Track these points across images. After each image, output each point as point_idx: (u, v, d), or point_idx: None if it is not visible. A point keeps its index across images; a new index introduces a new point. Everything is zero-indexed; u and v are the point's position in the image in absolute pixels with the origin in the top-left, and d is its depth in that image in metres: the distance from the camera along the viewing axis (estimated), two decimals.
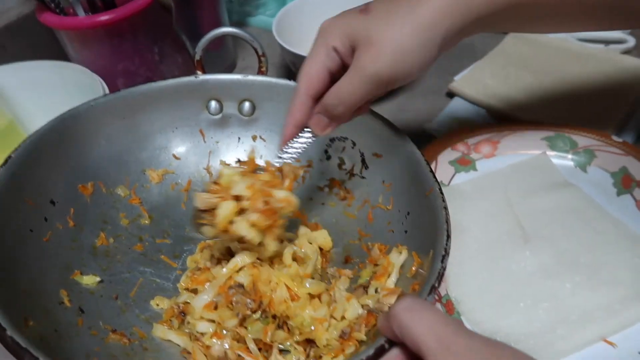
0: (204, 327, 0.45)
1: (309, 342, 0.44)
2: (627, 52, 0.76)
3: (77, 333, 0.42)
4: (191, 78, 0.56)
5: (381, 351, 0.34)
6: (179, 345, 0.44)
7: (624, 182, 0.53)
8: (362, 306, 0.45)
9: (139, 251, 0.51)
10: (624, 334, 0.42)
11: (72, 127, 0.51)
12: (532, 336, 0.41)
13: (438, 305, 0.45)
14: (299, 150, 0.46)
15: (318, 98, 0.42)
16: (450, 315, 0.44)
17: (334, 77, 0.42)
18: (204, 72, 0.58)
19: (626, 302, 0.43)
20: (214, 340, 0.43)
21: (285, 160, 0.46)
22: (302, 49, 0.68)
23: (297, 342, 0.44)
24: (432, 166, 0.58)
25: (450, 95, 0.73)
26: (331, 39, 0.39)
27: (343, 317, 0.44)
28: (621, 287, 0.44)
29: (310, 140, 0.45)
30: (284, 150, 0.46)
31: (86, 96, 0.53)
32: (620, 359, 0.40)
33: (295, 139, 0.45)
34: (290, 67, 0.77)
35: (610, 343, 0.42)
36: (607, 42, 0.78)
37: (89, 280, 0.47)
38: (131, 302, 0.47)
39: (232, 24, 0.92)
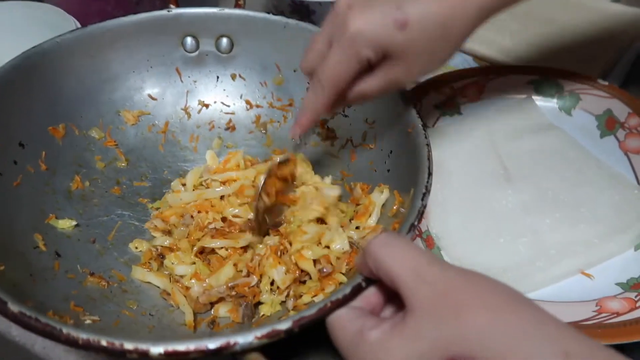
0: (182, 269, 0.44)
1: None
2: (615, 0, 0.73)
3: (53, 277, 0.41)
4: (163, 12, 0.53)
5: (358, 289, 0.33)
6: (158, 287, 0.44)
7: (608, 124, 0.52)
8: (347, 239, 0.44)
9: (116, 194, 0.50)
10: (601, 266, 0.42)
11: (38, 66, 0.48)
12: (510, 269, 0.41)
13: (418, 240, 0.45)
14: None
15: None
16: (430, 250, 0.44)
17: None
18: (178, 5, 0.55)
19: (605, 237, 0.43)
20: (193, 281, 0.43)
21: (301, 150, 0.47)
22: None
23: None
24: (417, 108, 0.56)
25: None
26: (365, 51, 0.36)
27: (327, 247, 0.43)
28: (600, 223, 0.44)
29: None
30: (300, 139, 0.46)
31: None
32: (597, 289, 0.40)
33: None
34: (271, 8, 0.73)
35: (588, 275, 0.42)
36: None
37: (65, 224, 0.46)
38: (109, 246, 0.46)
39: None
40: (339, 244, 0.43)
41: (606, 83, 0.55)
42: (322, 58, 0.39)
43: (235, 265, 0.42)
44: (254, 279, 0.42)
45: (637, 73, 0.64)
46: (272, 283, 0.42)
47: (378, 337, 0.28)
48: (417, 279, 0.28)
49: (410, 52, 0.36)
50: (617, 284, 0.41)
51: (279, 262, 0.42)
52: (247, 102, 0.57)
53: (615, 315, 0.37)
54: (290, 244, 0.43)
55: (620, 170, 0.48)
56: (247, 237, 0.44)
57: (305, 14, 0.62)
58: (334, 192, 0.47)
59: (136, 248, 0.47)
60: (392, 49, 0.36)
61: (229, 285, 0.41)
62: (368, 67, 0.38)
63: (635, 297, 0.38)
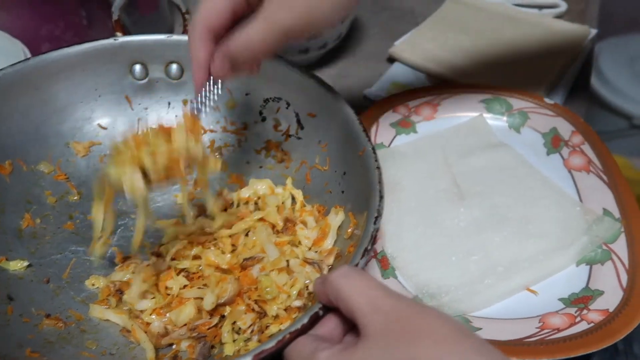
0: (143, 304, 0.44)
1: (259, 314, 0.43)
2: (559, 16, 0.78)
3: (6, 322, 0.40)
4: (110, 41, 0.52)
5: (316, 318, 0.34)
6: (117, 324, 0.43)
7: (554, 142, 0.55)
8: (306, 259, 0.45)
9: (69, 230, 0.49)
10: (545, 282, 0.44)
11: None
12: (461, 287, 0.43)
13: (374, 261, 0.46)
14: (209, 103, 0.43)
15: (217, 38, 0.39)
16: (385, 271, 0.45)
17: (237, 18, 0.39)
18: (125, 33, 0.54)
19: (549, 253, 0.45)
20: (154, 316, 0.43)
21: (205, 109, 0.43)
22: None
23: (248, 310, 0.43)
24: (373, 128, 0.58)
25: (391, 60, 0.72)
26: None
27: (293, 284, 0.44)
28: (546, 239, 0.46)
29: (219, 86, 0.42)
30: (201, 97, 0.42)
31: (7, 63, 0.49)
32: (541, 305, 0.42)
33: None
34: None
35: (533, 291, 0.44)
36: (540, 6, 0.79)
37: (16, 265, 0.45)
38: (64, 284, 0.46)
39: None
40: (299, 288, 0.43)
41: (552, 102, 0.58)
42: None
43: (197, 306, 0.42)
44: (215, 320, 0.42)
45: (580, 88, 0.67)
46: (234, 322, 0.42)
47: (327, 357, 0.30)
48: (372, 309, 0.30)
49: None
50: (560, 299, 0.43)
51: (239, 303, 0.42)
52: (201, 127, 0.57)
53: (556, 331, 0.39)
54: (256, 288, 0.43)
55: (564, 187, 0.51)
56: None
57: None
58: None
59: (93, 285, 0.46)
60: None
61: (190, 327, 0.41)
62: (246, 9, 0.37)
63: (575, 312, 0.41)
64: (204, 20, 0.38)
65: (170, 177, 0.41)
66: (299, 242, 0.47)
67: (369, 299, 0.30)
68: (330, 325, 0.34)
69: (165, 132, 0.41)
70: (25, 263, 0.45)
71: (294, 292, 0.43)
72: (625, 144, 1.34)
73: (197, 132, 0.42)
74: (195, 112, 0.42)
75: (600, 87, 1.29)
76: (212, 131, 0.57)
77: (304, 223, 0.49)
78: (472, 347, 0.27)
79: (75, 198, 0.51)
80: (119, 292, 0.45)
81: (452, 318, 0.29)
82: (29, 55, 0.57)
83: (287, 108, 0.53)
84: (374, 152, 0.44)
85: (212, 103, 0.42)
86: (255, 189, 0.52)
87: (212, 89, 0.42)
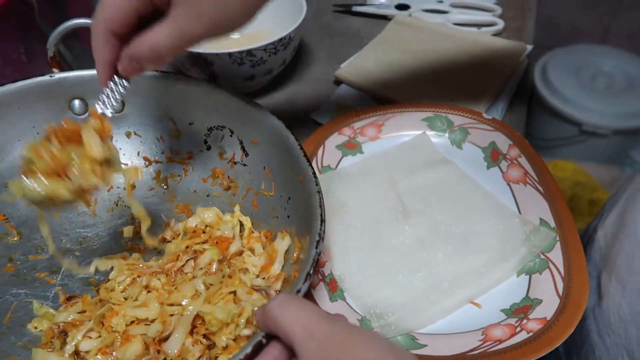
0: (87, 345, 0.43)
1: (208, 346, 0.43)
2: (497, 34, 0.81)
3: None
4: (45, 78, 0.52)
5: (259, 347, 0.35)
6: None
7: (493, 156, 0.57)
8: (253, 287, 0.45)
9: (9, 272, 0.48)
10: (488, 294, 0.45)
11: None
12: (407, 305, 0.44)
13: (322, 284, 0.46)
14: (117, 97, 0.43)
15: (120, 37, 0.40)
16: (334, 293, 0.46)
17: (142, 17, 0.39)
18: (62, 69, 0.54)
19: (491, 266, 0.47)
20: (99, 356, 0.42)
21: (112, 107, 0.43)
22: None
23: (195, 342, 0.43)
24: (320, 151, 0.58)
25: (338, 82, 0.74)
26: None
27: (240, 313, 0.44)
28: (487, 252, 0.47)
29: (125, 83, 0.43)
30: (106, 93, 0.43)
31: None
32: (484, 318, 0.43)
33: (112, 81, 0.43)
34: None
35: (476, 304, 0.45)
36: (479, 25, 0.82)
37: None
38: (5, 330, 0.44)
39: None
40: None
41: (490, 117, 0.60)
42: None
43: (143, 342, 0.42)
44: (162, 356, 0.41)
45: (517, 103, 0.70)
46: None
47: None
48: (307, 336, 0.31)
49: None
50: (502, 311, 0.44)
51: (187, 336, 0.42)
52: (145, 158, 0.57)
53: (498, 342, 0.40)
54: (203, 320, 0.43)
55: (503, 200, 0.52)
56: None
57: (204, 65, 0.63)
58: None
59: (36, 328, 0.45)
60: None
61: None
62: (151, 10, 0.38)
63: (516, 322, 0.42)
64: (108, 22, 0.38)
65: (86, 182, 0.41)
66: (246, 270, 0.47)
67: (303, 326, 0.31)
68: (274, 352, 0.35)
69: (73, 133, 0.41)
70: None
71: (242, 321, 0.43)
72: (577, 150, 1.39)
73: (107, 132, 0.42)
74: (102, 111, 0.43)
75: (550, 96, 1.35)
76: (157, 162, 0.56)
77: (252, 250, 0.49)
78: None
79: (15, 239, 0.50)
80: (63, 334, 0.44)
81: (385, 340, 0.30)
82: None
83: (231, 136, 0.54)
84: (315, 177, 0.45)
85: (118, 98, 0.43)
86: (202, 217, 0.52)
87: (117, 86, 0.43)
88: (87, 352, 0.43)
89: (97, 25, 0.39)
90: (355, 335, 0.30)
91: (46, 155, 0.40)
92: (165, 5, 0.37)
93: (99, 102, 0.43)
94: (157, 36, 0.38)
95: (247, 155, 0.53)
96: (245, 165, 0.54)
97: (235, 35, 0.68)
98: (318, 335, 0.30)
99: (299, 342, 0.31)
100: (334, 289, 0.46)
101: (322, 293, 0.46)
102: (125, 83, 0.43)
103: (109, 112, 0.43)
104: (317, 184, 0.44)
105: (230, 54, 0.61)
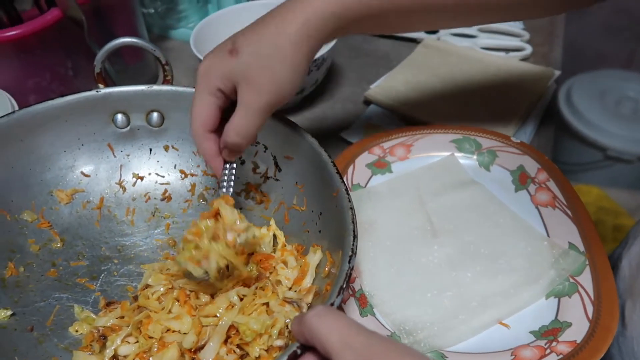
0: (125, 349, 0.45)
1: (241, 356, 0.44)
2: (525, 59, 0.82)
3: None
4: (92, 92, 0.54)
5: (294, 357, 0.36)
6: None
7: (521, 179, 0.58)
8: (285, 299, 0.46)
9: (52, 277, 0.50)
10: (517, 316, 0.46)
11: None
12: (436, 323, 0.44)
13: (352, 299, 0.47)
14: (233, 178, 0.49)
15: (215, 130, 0.47)
16: (364, 309, 0.47)
17: (223, 111, 0.46)
18: (107, 85, 0.57)
19: (519, 287, 0.47)
20: None
21: (233, 188, 0.48)
22: None
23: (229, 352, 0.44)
24: (350, 169, 0.60)
25: (367, 102, 0.76)
26: (213, 82, 0.44)
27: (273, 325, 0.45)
28: (515, 274, 0.48)
29: (234, 166, 0.49)
30: (223, 183, 0.48)
31: None
32: (513, 339, 0.44)
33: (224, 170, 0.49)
34: None
35: (505, 325, 0.45)
36: (507, 50, 0.83)
37: (0, 315, 0.45)
38: (48, 332, 0.46)
39: (153, 38, 0.90)
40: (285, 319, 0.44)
41: (518, 141, 0.61)
42: None
43: (180, 349, 0.43)
44: None
45: (546, 126, 0.71)
46: None
47: None
48: (344, 346, 0.32)
49: (250, 74, 0.43)
50: (531, 332, 0.44)
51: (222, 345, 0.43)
52: (182, 171, 0.59)
53: None
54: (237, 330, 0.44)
55: (532, 223, 0.53)
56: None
57: None
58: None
59: (76, 331, 0.47)
60: (233, 75, 0.43)
61: None
62: (230, 103, 0.45)
63: (545, 344, 0.42)
64: (203, 125, 0.46)
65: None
66: (279, 282, 0.48)
67: (340, 336, 0.32)
68: None
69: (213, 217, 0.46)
70: (9, 312, 0.46)
71: (275, 332, 0.44)
72: (601, 175, 1.38)
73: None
74: (228, 193, 0.48)
75: (574, 121, 1.34)
76: (192, 175, 0.59)
77: (285, 263, 0.50)
78: None
79: (59, 245, 0.52)
80: (103, 338, 0.46)
81: (419, 354, 0.31)
82: (15, 106, 0.58)
83: (264, 152, 0.56)
84: (348, 193, 0.46)
85: (234, 179, 0.49)
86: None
87: (229, 170, 0.49)
88: (125, 356, 0.44)
89: (196, 129, 0.46)
90: (391, 347, 0.31)
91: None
92: (235, 94, 0.45)
93: (222, 189, 0.48)
94: (236, 121, 0.44)
95: (280, 170, 0.55)
96: (277, 180, 0.55)
97: None
98: (355, 345, 0.31)
99: (337, 352, 0.31)
100: (364, 305, 0.47)
101: (352, 308, 0.47)
102: (234, 165, 0.49)
103: (230, 192, 0.48)
104: (349, 200, 0.46)
105: None
